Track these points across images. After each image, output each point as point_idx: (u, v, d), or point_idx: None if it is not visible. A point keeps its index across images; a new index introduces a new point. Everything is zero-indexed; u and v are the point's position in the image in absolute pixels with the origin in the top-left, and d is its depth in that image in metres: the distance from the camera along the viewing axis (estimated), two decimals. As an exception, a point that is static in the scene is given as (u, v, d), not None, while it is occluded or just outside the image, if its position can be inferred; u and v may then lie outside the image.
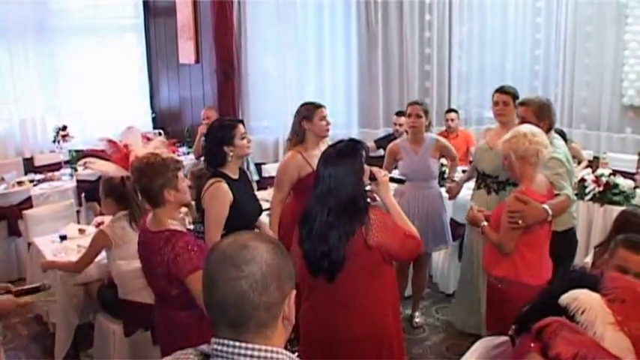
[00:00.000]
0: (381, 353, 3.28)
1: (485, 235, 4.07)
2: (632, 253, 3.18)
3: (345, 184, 3.11)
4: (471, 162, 5.68)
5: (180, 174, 3.37)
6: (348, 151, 3.19)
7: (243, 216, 4.01)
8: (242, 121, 4.25)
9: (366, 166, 3.22)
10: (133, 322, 4.44)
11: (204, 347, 1.62)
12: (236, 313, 1.55)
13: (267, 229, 4.59)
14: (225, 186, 3.95)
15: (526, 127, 3.99)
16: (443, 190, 5.75)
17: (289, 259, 1.65)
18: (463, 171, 5.92)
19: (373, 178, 3.29)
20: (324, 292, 3.22)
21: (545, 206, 3.90)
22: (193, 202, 4.80)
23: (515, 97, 4.93)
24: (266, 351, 1.54)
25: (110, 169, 5.33)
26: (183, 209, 5.81)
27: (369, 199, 3.34)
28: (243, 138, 4.08)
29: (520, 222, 3.79)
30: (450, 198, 5.57)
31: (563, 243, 4.39)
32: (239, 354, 1.53)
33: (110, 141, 5.93)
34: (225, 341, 1.55)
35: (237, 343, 1.54)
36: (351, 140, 3.30)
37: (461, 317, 5.42)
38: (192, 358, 1.62)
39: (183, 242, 3.18)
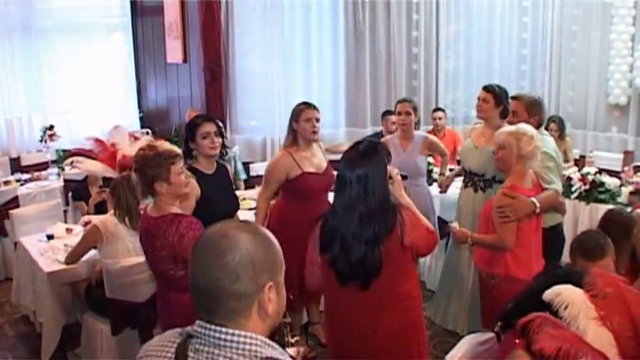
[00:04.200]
0: (412, 350, 3.30)
1: (480, 242, 4.11)
2: (588, 261, 3.28)
3: (375, 187, 3.06)
4: (458, 161, 5.69)
5: (175, 167, 3.39)
6: (371, 151, 3.13)
7: (212, 210, 3.96)
8: (212, 120, 4.22)
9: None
10: (121, 321, 4.43)
11: (189, 328, 1.64)
12: (207, 299, 1.58)
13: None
14: (192, 181, 3.94)
15: (530, 129, 4.09)
16: (431, 188, 5.80)
17: (272, 252, 1.65)
18: (451, 169, 5.93)
19: (389, 177, 3.23)
20: (357, 299, 3.18)
21: (533, 199, 4.01)
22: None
23: (496, 97, 4.89)
24: (239, 335, 1.55)
25: (98, 168, 5.33)
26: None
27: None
28: (204, 137, 4.09)
29: (511, 215, 3.89)
30: (440, 191, 5.59)
31: (550, 239, 4.44)
32: (214, 337, 1.56)
33: (97, 140, 5.92)
34: (204, 324, 1.59)
35: (214, 327, 1.56)
36: (371, 140, 3.28)
37: (440, 312, 5.44)
38: (177, 336, 1.66)
39: (186, 222, 3.32)
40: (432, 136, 5.62)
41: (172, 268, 3.36)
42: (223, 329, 1.56)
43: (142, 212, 3.69)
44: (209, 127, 4.10)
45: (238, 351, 1.55)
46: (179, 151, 3.52)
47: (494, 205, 4.00)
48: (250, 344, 1.56)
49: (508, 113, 4.86)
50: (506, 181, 4.09)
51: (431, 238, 3.28)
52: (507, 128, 4.15)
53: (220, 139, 4.16)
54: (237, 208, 4.44)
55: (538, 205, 4.02)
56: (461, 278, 5.12)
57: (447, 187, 5.58)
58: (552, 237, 4.55)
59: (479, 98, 4.99)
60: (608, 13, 7.99)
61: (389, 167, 3.24)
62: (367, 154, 3.11)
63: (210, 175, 4.16)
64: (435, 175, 6.49)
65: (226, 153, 4.39)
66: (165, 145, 3.51)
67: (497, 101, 4.89)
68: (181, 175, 3.44)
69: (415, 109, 5.40)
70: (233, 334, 1.55)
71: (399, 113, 5.35)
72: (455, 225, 4.29)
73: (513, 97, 4.82)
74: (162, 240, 3.33)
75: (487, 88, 4.98)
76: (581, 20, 8.35)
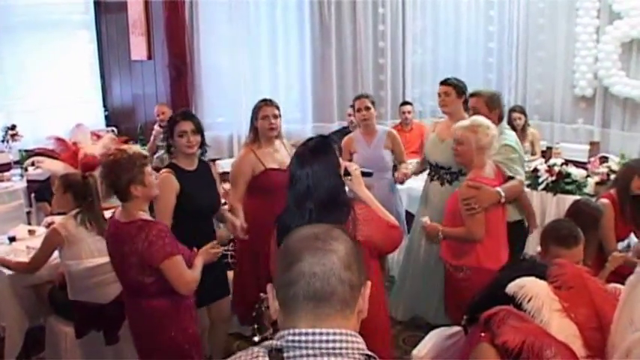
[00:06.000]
0: (375, 348, 3.24)
1: (449, 236, 4.09)
2: (563, 248, 3.26)
3: (324, 181, 2.99)
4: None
5: (147, 169, 3.42)
6: (321, 147, 3.07)
7: (193, 207, 4.03)
8: (190, 118, 4.14)
9: (340, 161, 3.13)
10: (85, 323, 4.35)
11: (273, 342, 1.55)
12: (322, 285, 1.52)
13: (228, 216, 4.51)
14: (170, 177, 3.97)
15: (484, 120, 4.10)
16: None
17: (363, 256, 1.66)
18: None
19: (346, 172, 3.19)
20: None
21: (498, 189, 4.04)
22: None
23: (457, 88, 4.92)
24: (342, 334, 1.50)
25: (59, 167, 5.24)
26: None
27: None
28: (180, 136, 4.04)
29: (476, 207, 3.89)
30: (397, 182, 5.53)
31: (511, 234, 4.43)
32: (320, 340, 1.49)
33: (58, 139, 5.83)
34: (302, 330, 1.50)
35: (317, 330, 1.49)
36: (321, 136, 3.21)
37: (402, 306, 5.40)
38: (262, 355, 1.54)
39: (156, 230, 3.29)
40: (395, 132, 5.60)
41: (141, 274, 3.33)
42: (330, 330, 1.50)
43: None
44: (185, 126, 4.04)
45: (349, 352, 1.50)
46: (146, 153, 3.53)
47: (460, 197, 3.99)
48: (358, 342, 1.53)
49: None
50: (469, 173, 4.08)
51: (393, 232, 3.18)
52: (462, 123, 4.13)
53: (198, 138, 4.10)
54: (219, 205, 4.41)
55: (503, 194, 4.04)
56: (433, 270, 5.10)
57: (404, 178, 5.52)
58: (516, 231, 4.59)
59: (439, 94, 5.01)
60: (573, 5, 8.08)
61: (346, 163, 3.22)
62: (317, 150, 3.05)
63: (191, 171, 4.12)
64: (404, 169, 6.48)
65: (206, 151, 4.32)
66: (133, 147, 3.52)
67: (459, 92, 4.92)
68: (152, 176, 3.48)
69: (374, 103, 5.41)
70: (341, 334, 1.50)
71: (359, 110, 5.37)
72: (426, 219, 4.27)
73: (472, 94, 4.81)
74: (131, 246, 3.29)
75: (446, 82, 5.01)
76: (547, 13, 8.42)
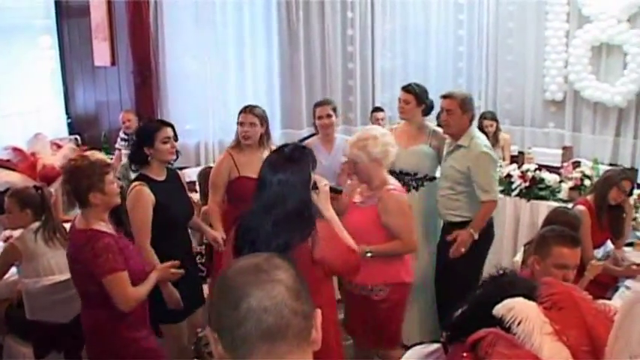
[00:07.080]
0: None
1: (380, 254, 3.78)
2: (566, 247, 3.18)
3: (294, 192, 2.88)
4: None
5: (108, 177, 3.34)
6: (297, 156, 2.95)
7: (169, 218, 3.95)
8: (170, 125, 4.12)
9: (311, 174, 3.00)
10: (44, 343, 4.20)
11: None
12: (274, 320, 1.39)
13: (207, 229, 4.45)
14: (146, 189, 3.88)
15: (371, 130, 3.99)
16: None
17: None
18: None
19: (314, 186, 3.04)
20: None
21: (470, 230, 4.33)
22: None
23: (417, 97, 4.92)
24: None
25: (15, 179, 5.04)
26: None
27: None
28: (165, 142, 3.98)
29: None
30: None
31: (482, 233, 4.51)
32: None
33: (15, 149, 5.64)
34: None
35: None
36: (297, 145, 3.10)
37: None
38: None
39: (103, 243, 3.22)
40: None
41: (87, 282, 3.29)
42: None
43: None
44: (169, 132, 4.03)
45: None
46: (110, 160, 3.42)
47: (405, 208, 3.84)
48: None
49: (430, 110, 4.96)
50: (381, 191, 3.83)
51: (351, 256, 3.06)
52: (349, 141, 4.02)
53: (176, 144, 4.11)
54: (192, 214, 4.34)
55: (476, 235, 4.33)
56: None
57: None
58: (484, 231, 4.58)
59: (399, 100, 5.00)
60: (542, 9, 8.07)
61: (316, 177, 3.07)
62: (292, 159, 2.94)
63: (162, 181, 4.05)
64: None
65: (177, 157, 4.25)
66: (96, 154, 3.43)
67: (419, 101, 4.93)
68: (114, 185, 3.39)
69: (335, 110, 5.32)
70: None
71: (320, 117, 5.28)
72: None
73: (446, 96, 4.73)
74: (79, 254, 3.27)
75: (407, 89, 5.00)
76: (517, 17, 8.42)
